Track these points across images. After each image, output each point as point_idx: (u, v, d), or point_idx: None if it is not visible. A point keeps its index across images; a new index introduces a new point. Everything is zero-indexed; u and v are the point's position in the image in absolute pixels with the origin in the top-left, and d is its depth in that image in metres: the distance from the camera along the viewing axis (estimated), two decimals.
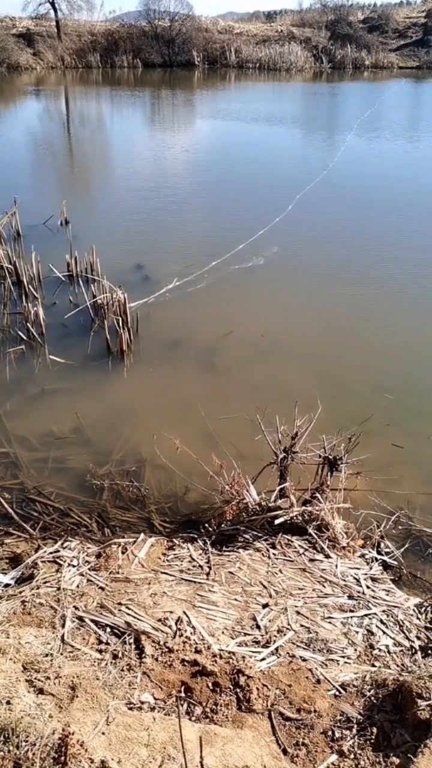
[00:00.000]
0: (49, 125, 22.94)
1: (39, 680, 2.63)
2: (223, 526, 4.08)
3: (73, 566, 3.66)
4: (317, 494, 4.09)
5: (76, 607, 3.24)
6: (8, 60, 37.29)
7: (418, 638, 3.26)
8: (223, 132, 21.03)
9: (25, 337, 6.76)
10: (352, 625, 3.29)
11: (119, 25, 44.08)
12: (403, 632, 3.29)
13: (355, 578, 3.68)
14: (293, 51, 42.96)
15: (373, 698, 2.73)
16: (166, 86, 34.87)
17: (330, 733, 2.58)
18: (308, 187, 12.65)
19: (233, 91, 34.30)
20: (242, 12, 60.49)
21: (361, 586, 3.61)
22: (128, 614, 3.19)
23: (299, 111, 27.14)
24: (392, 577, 3.83)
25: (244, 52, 43.23)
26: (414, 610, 3.49)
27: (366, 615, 3.38)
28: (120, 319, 6.72)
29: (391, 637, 3.24)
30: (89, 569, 3.61)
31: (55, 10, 41.91)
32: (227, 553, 3.83)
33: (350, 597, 3.50)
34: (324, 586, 3.57)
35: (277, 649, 3.04)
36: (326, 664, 2.99)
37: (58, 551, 3.81)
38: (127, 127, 22.93)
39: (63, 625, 3.10)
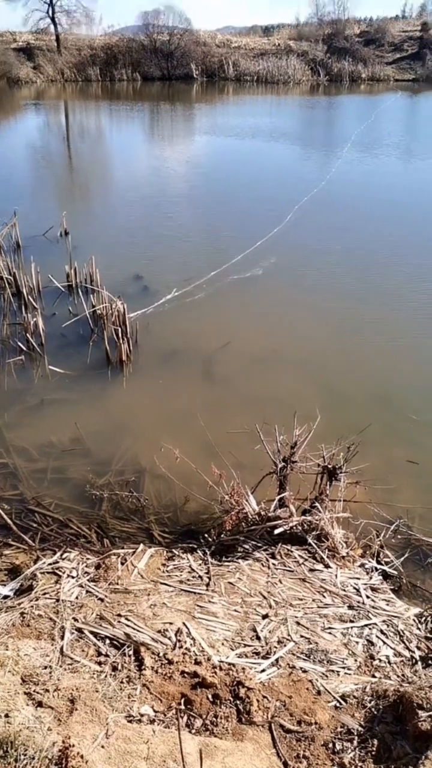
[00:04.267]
0: (48, 138, 23.11)
1: (38, 693, 2.62)
2: (222, 536, 4.07)
3: (72, 577, 3.64)
4: (317, 504, 4.09)
5: (75, 619, 3.23)
6: (9, 74, 37.61)
7: (419, 648, 3.25)
8: (221, 146, 21.16)
9: (24, 348, 6.77)
10: (352, 636, 3.27)
11: (118, 39, 44.52)
12: (404, 642, 3.28)
13: (354, 588, 3.67)
14: (291, 64, 43.32)
15: (373, 709, 2.72)
16: (165, 99, 35.15)
17: (331, 745, 2.57)
18: (305, 199, 12.72)
19: (231, 105, 34.58)
20: (240, 26, 60.90)
21: (361, 596, 3.60)
22: (128, 626, 3.18)
23: (297, 124, 27.33)
24: (392, 587, 3.81)
25: (242, 65, 43.60)
26: (414, 620, 3.47)
27: (366, 625, 3.37)
28: (119, 329, 6.73)
29: (391, 648, 3.22)
30: (88, 580, 3.60)
31: (55, 25, 42.44)
32: (227, 563, 3.82)
33: (350, 607, 3.49)
34: (324, 596, 3.56)
35: (277, 660, 3.03)
36: (326, 675, 2.97)
37: (57, 562, 3.80)
38: (127, 140, 23.11)
39: (62, 637, 3.08)
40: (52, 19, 42.25)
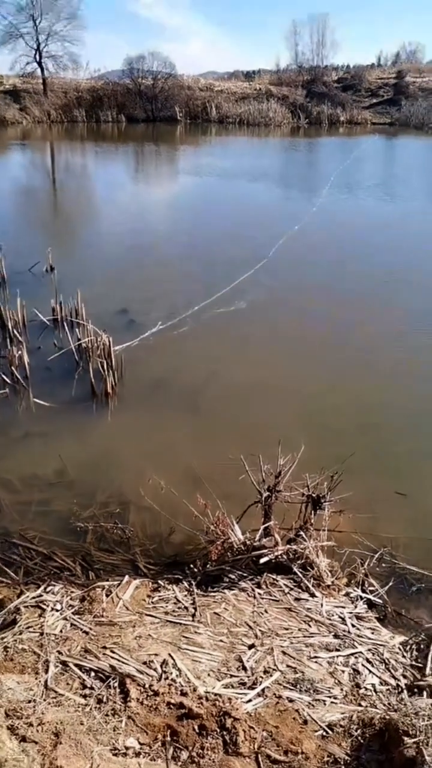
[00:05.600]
0: (34, 177, 23.54)
1: (22, 727, 2.58)
2: (208, 566, 4.07)
3: (57, 611, 3.61)
4: (301, 533, 4.12)
5: (59, 652, 3.19)
6: None
7: (404, 676, 3.25)
8: (204, 186, 21.69)
9: (9, 381, 6.79)
10: (338, 665, 3.27)
11: (104, 82, 45.77)
12: (389, 671, 3.28)
13: (340, 617, 3.68)
14: (271, 107, 44.85)
15: (360, 738, 2.72)
16: (150, 140, 36.06)
17: None
18: (288, 234, 13.05)
19: (215, 146, 35.56)
20: (222, 71, 63.20)
21: (346, 624, 3.61)
22: (113, 658, 3.15)
23: (278, 165, 28.16)
24: (377, 616, 3.83)
25: (225, 108, 45.01)
26: (399, 648, 3.49)
27: (352, 654, 3.37)
28: (104, 362, 6.79)
29: (377, 676, 3.23)
30: (73, 613, 3.57)
31: (42, 69, 43.53)
32: (213, 593, 3.81)
33: (336, 636, 3.50)
34: (309, 626, 3.56)
35: (263, 690, 3.02)
36: (313, 705, 2.96)
37: (41, 596, 3.77)
38: (112, 179, 23.56)
39: (46, 671, 3.05)
40: (39, 64, 43.39)
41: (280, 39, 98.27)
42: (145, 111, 43.48)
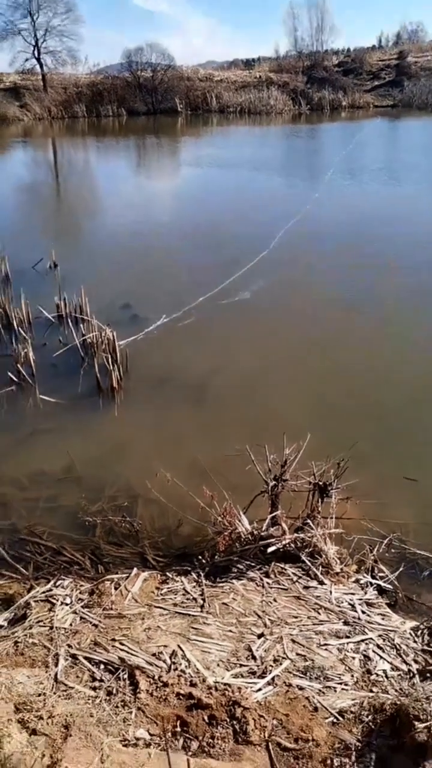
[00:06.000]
0: (36, 174, 23.53)
1: (32, 720, 2.59)
2: (216, 557, 4.06)
3: (66, 604, 3.63)
4: (309, 521, 4.10)
5: (69, 645, 3.21)
6: None
7: (416, 662, 3.23)
8: (206, 177, 21.58)
9: (15, 379, 6.81)
10: (348, 651, 3.26)
11: (103, 76, 45.57)
12: (401, 656, 3.27)
13: (350, 604, 3.66)
14: (272, 95, 44.46)
15: (371, 724, 2.70)
16: (151, 133, 35.91)
17: (329, 761, 2.55)
18: (291, 223, 12.95)
19: (216, 136, 35.35)
20: (222, 61, 62.63)
21: (356, 611, 3.59)
22: (122, 650, 3.16)
23: (280, 153, 27.93)
24: (387, 601, 3.80)
25: (225, 98, 44.69)
26: (410, 634, 3.46)
27: (362, 640, 3.35)
28: (109, 357, 6.79)
29: (388, 662, 3.21)
30: (82, 607, 3.59)
31: (41, 65, 43.41)
32: (221, 584, 3.81)
33: (346, 623, 3.48)
34: (319, 613, 3.55)
35: (273, 678, 3.01)
36: (323, 692, 2.95)
37: (51, 590, 3.79)
38: (114, 174, 23.52)
39: (56, 664, 3.07)
40: (38, 60, 43.29)
41: (279, 26, 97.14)
42: (146, 104, 43.27)
